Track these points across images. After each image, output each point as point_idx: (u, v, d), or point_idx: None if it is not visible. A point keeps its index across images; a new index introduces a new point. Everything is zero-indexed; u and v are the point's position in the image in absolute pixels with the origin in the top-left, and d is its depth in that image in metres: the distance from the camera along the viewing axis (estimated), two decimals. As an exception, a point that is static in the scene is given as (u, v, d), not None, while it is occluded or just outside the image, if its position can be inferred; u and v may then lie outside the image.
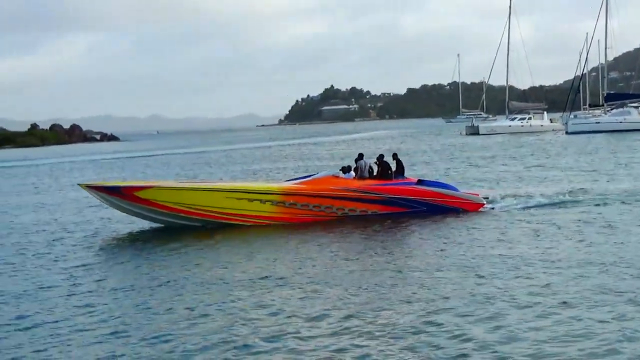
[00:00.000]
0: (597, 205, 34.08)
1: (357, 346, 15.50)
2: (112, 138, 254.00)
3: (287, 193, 32.02)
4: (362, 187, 32.80)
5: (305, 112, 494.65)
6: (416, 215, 32.83)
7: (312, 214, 32.14)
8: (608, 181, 44.04)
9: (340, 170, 34.14)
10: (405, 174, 34.49)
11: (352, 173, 33.57)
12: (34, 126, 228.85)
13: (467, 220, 31.70)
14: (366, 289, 20.23)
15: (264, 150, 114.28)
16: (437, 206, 33.44)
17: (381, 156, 34.09)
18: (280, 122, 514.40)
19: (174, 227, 31.47)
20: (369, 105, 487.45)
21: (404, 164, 34.76)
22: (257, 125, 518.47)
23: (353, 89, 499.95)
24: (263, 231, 30.63)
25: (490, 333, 16.01)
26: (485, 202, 34.54)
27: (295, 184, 33.12)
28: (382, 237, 28.82)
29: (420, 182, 34.19)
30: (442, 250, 25.39)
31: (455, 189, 34.75)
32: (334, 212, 32.41)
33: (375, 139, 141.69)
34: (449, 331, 16.23)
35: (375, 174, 33.63)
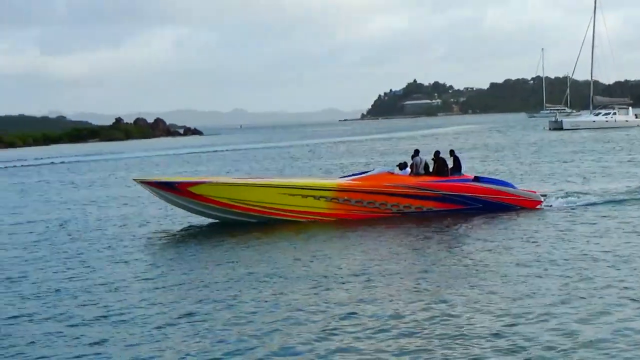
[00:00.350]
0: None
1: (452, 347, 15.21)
2: (195, 132, 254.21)
3: (341, 189, 31.89)
4: (418, 183, 32.47)
5: (388, 106, 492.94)
6: (473, 212, 32.41)
7: (367, 211, 31.93)
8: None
9: (397, 166, 33.88)
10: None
11: (408, 169, 33.24)
12: (118, 120, 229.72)
13: (524, 218, 31.20)
14: (438, 286, 19.96)
15: (348, 145, 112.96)
16: (493, 203, 32.93)
17: (437, 152, 33.69)
18: (363, 116, 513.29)
19: (229, 222, 31.56)
20: (452, 100, 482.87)
21: (461, 161, 34.30)
22: (340, 120, 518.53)
23: (436, 84, 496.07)
24: (322, 227, 30.56)
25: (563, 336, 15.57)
26: (542, 200, 33.86)
27: (350, 180, 32.95)
28: (440, 234, 28.45)
29: (476, 179, 33.72)
30: (507, 247, 25.01)
31: (512, 186, 34.20)
32: (389, 209, 32.15)
33: (460, 133, 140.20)
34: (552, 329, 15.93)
35: (431, 170, 33.24)
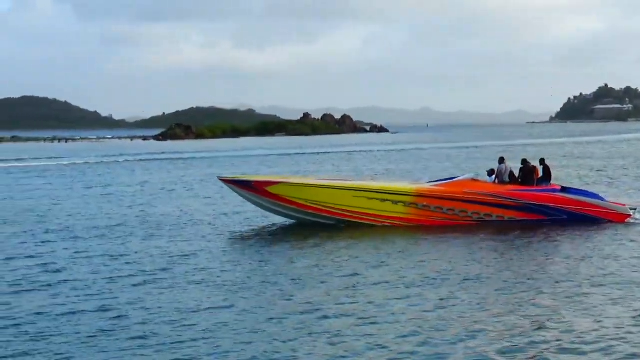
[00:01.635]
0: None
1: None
2: (381, 130, 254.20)
3: (420, 194, 31.23)
4: (499, 191, 31.37)
5: (577, 110, 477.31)
6: (556, 223, 30.96)
7: (446, 217, 31.15)
8: None
9: (487, 172, 32.86)
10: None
11: (494, 177, 32.15)
12: (306, 115, 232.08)
13: (611, 231, 29.55)
14: (523, 299, 19.33)
15: (541, 148, 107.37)
16: (579, 215, 31.40)
17: (524, 161, 32.42)
18: (551, 119, 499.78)
19: (307, 223, 31.50)
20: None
21: (550, 170, 32.84)
22: (527, 122, 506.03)
23: (627, 89, 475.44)
24: (403, 232, 30.04)
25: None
26: (632, 213, 31.94)
27: (431, 185, 32.20)
28: (524, 244, 27.49)
29: (564, 189, 32.19)
30: (585, 261, 24.08)
31: (601, 198, 32.49)
32: (469, 217, 31.23)
33: None
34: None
35: (517, 178, 32.00)
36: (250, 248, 27.55)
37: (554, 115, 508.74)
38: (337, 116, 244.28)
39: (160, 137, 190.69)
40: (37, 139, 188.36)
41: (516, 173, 32.24)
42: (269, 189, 31.26)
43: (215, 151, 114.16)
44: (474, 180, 32.06)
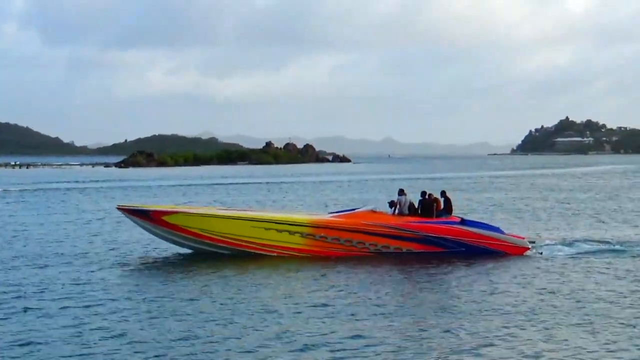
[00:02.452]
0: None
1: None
2: (343, 159, 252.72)
3: (317, 225, 30.70)
4: (397, 223, 30.93)
5: (538, 142, 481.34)
6: (456, 256, 30.59)
7: (344, 249, 30.62)
8: None
9: (388, 203, 32.45)
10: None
11: (394, 208, 31.72)
12: (268, 144, 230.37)
13: (506, 264, 29.21)
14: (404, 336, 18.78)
15: (499, 180, 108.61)
16: (477, 247, 31.07)
17: (424, 193, 32.05)
18: (513, 151, 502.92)
19: (204, 253, 30.82)
20: (604, 138, 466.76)
21: (451, 202, 32.50)
22: (489, 154, 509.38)
23: (589, 122, 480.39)
24: (295, 263, 29.47)
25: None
26: (530, 246, 31.68)
27: (329, 217, 31.73)
28: (415, 276, 27.13)
29: (463, 222, 31.79)
30: (471, 293, 23.84)
31: (500, 231, 32.13)
32: (366, 248, 30.74)
33: (610, 173, 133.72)
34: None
35: (417, 210, 31.59)
36: (140, 279, 26.89)
37: (515, 148, 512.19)
38: (301, 145, 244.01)
39: (122, 165, 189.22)
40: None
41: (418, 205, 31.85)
42: (166, 218, 30.52)
43: (178, 178, 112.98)
44: (373, 211, 31.61)
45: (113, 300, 22.63)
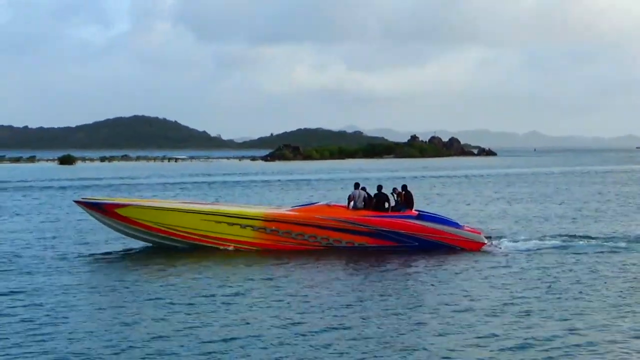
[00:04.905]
0: (602, 252, 28.62)
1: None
2: (489, 153, 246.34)
3: (268, 219, 29.92)
4: (350, 217, 29.73)
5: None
6: (410, 250, 29.20)
7: (295, 242, 29.73)
8: None
9: (347, 197, 31.21)
10: None
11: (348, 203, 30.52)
12: (414, 137, 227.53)
13: (458, 259, 27.72)
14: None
15: None
16: (431, 242, 29.59)
17: (379, 187, 30.67)
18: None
19: (161, 246, 30.58)
20: None
21: (413, 197, 30.98)
22: (637, 147, 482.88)
23: None
24: (245, 257, 28.76)
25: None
26: (486, 242, 29.80)
27: (282, 211, 30.88)
28: (363, 272, 25.99)
29: (419, 216, 30.20)
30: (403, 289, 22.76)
31: (458, 225, 30.35)
32: (318, 242, 29.73)
33: None
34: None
35: (372, 204, 30.29)
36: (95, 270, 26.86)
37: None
38: (446, 139, 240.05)
39: (269, 158, 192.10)
40: (146, 158, 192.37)
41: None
42: (118, 211, 30.40)
43: (325, 172, 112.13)
44: (328, 205, 30.57)
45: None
